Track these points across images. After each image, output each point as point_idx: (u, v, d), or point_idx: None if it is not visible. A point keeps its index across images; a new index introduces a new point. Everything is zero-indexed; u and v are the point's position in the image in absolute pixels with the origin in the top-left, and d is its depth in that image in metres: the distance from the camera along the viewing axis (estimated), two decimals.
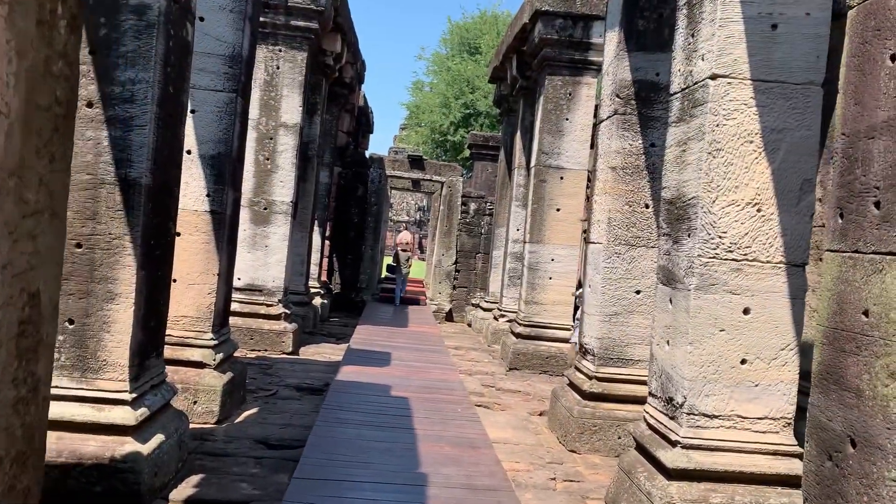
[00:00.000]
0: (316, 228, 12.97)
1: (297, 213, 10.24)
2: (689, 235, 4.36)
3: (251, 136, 9.52)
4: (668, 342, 4.57)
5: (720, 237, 4.23)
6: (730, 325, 4.26)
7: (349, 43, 11.85)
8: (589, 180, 11.41)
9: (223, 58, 6.03)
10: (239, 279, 9.52)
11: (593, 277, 6.39)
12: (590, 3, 9.55)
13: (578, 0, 9.53)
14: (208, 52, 6.01)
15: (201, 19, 5.99)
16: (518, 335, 9.72)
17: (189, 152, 6.02)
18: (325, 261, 15.03)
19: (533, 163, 10.07)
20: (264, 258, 9.52)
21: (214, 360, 6.02)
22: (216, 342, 6.12)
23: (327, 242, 15.04)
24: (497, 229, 13.68)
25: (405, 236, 20.47)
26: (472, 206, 16.27)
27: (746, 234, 4.24)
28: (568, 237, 9.77)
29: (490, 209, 15.98)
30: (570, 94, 9.82)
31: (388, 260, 20.94)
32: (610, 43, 6.51)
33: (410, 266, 19.17)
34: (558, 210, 9.80)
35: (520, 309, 10.11)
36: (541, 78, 10.18)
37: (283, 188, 9.54)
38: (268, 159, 9.51)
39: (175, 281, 5.98)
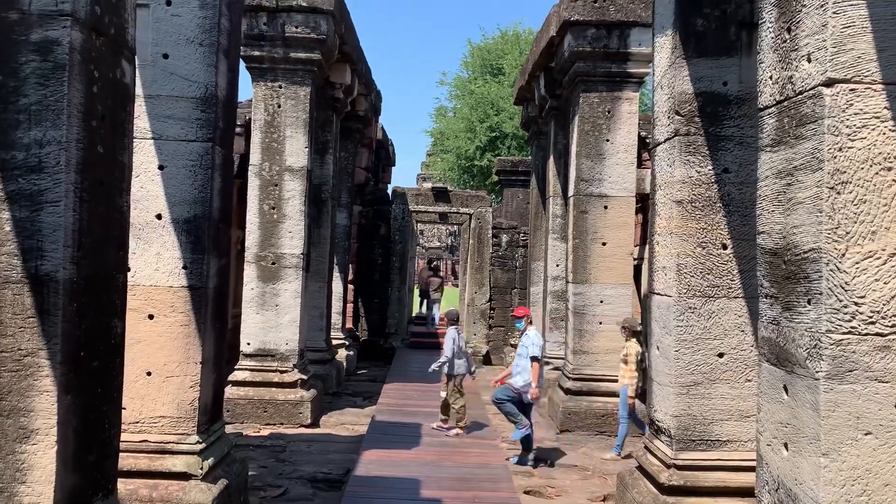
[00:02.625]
0: (336, 275, 11.92)
1: (309, 265, 9.18)
2: (809, 302, 3.14)
3: (253, 183, 8.52)
4: (785, 445, 3.34)
5: (856, 304, 3.00)
6: (879, 425, 3.03)
7: (359, 73, 10.85)
8: (642, 209, 10.18)
9: (194, 101, 4.99)
10: (248, 344, 8.48)
11: (662, 339, 5.17)
12: (625, 8, 8.40)
13: (612, 6, 8.39)
14: (176, 96, 4.98)
15: (165, 56, 4.97)
16: (567, 391, 8.49)
17: (159, 217, 4.98)
18: (350, 307, 13.96)
19: (571, 191, 8.89)
20: (275, 319, 8.45)
21: (202, 468, 4.91)
22: (203, 445, 5.02)
23: (350, 287, 13.98)
24: (533, 263, 12.48)
25: (423, 269, 19.26)
26: (504, 237, 15.10)
27: (894, 297, 3.01)
28: (617, 275, 8.54)
29: (524, 240, 14.79)
30: (608, 112, 8.65)
31: (416, 300, 19.80)
32: (661, 50, 5.34)
33: (441, 294, 17.72)
34: (604, 244, 8.58)
35: (567, 359, 8.88)
36: (574, 96, 9.03)
37: (293, 239, 8.49)
38: (273, 208, 8.47)
39: (149, 374, 4.93)
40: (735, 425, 4.98)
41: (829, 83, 3.05)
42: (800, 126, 3.24)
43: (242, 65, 8.51)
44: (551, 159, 10.91)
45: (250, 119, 8.83)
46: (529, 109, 12.31)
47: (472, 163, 29.65)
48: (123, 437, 4.87)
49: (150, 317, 4.95)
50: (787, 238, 3.34)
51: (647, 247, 12.79)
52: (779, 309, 3.41)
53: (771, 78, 3.53)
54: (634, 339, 7.56)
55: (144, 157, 4.97)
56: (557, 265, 10.53)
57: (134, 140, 5.00)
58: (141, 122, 4.95)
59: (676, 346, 4.99)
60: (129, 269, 3.70)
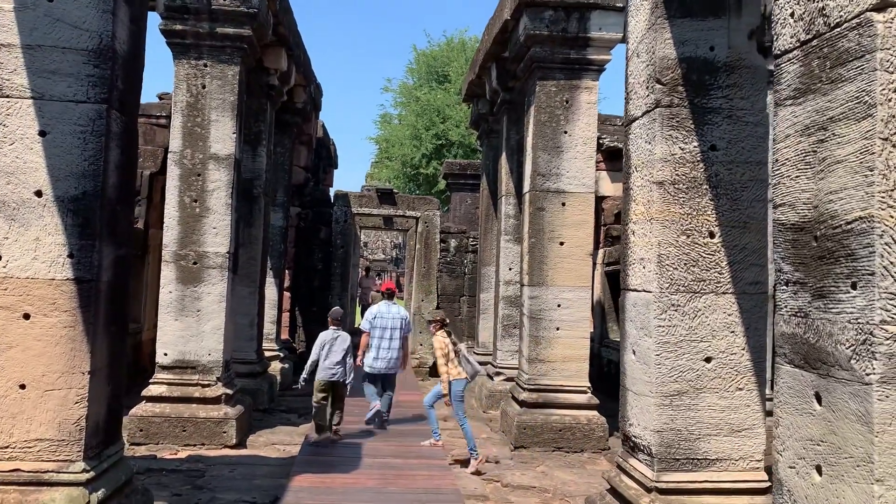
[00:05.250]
0: (271, 280, 10.98)
1: (237, 266, 8.26)
2: (854, 286, 2.48)
3: (173, 173, 7.58)
4: (818, 469, 2.66)
5: None
6: None
7: (297, 60, 10.01)
8: (600, 206, 9.61)
9: (85, 53, 4.10)
10: (165, 355, 7.50)
11: (640, 342, 4.48)
12: None
13: None
14: (63, 47, 4.09)
15: None
16: (522, 403, 7.77)
17: (39, 194, 4.07)
18: (286, 316, 13.01)
19: (527, 187, 8.22)
20: (196, 326, 7.49)
21: (88, 503, 3.99)
22: (92, 474, 4.10)
23: (287, 294, 13.03)
24: (483, 268, 11.78)
25: (362, 277, 18.33)
26: (453, 242, 14.38)
27: None
28: (576, 277, 7.88)
29: (474, 245, 14.10)
30: (567, 102, 8.02)
31: (359, 312, 18.87)
32: (638, 11, 4.69)
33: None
34: (562, 243, 7.92)
35: (522, 368, 8.16)
36: (529, 85, 8.38)
37: (218, 236, 7.56)
38: (195, 201, 7.54)
39: (23, 388, 4.02)
40: (725, 441, 4.32)
41: (882, 7, 2.40)
42: (837, 66, 2.59)
43: (163, 40, 7.60)
44: (503, 157, 10.24)
45: None
46: (479, 106, 11.65)
47: (417, 171, 28.92)
48: None
49: (26, 316, 4.03)
50: (819, 208, 2.67)
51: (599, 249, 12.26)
52: (807, 297, 2.74)
53: (792, 15, 2.87)
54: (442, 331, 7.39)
55: (21, 121, 4.06)
56: (510, 269, 9.84)
57: (9, 99, 4.09)
58: (18, 77, 4.06)
59: (657, 350, 4.31)
60: None
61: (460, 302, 14.27)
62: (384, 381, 8.20)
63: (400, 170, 29.94)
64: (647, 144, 4.49)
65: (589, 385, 7.89)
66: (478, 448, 6.86)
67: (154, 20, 8.61)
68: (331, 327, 7.66)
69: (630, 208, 4.70)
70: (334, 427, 7.43)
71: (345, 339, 7.58)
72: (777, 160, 2.96)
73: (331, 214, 14.06)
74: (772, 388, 4.65)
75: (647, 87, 4.51)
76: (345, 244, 14.18)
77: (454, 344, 7.41)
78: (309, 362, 7.63)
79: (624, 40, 7.76)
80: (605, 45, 7.94)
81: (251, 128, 9.23)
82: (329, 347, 7.47)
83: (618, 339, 11.35)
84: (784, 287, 2.90)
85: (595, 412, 7.75)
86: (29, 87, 4.06)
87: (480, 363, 11.18)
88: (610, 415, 7.90)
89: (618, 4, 7.77)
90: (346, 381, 7.49)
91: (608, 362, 11.64)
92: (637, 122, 4.65)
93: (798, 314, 2.79)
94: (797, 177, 2.82)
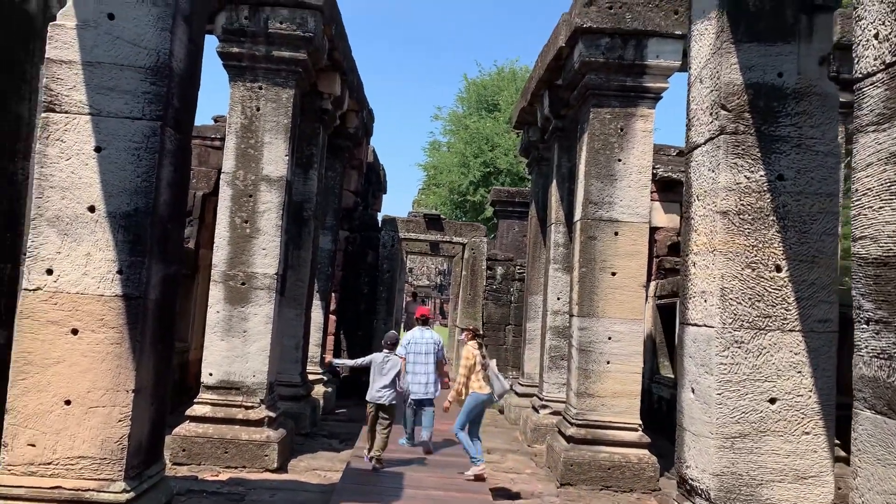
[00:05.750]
0: (317, 302, 10.97)
1: (285, 288, 8.24)
2: None
3: (225, 193, 7.63)
4: None
5: None
6: None
7: (350, 85, 10.07)
8: (653, 237, 9.37)
9: (142, 71, 4.13)
10: (210, 375, 7.49)
11: (700, 379, 4.25)
12: (642, 16, 7.66)
13: (628, 13, 7.66)
14: (121, 64, 4.12)
15: (110, 17, 4.12)
16: (570, 438, 7.52)
17: (92, 209, 4.08)
18: (331, 339, 12.98)
19: (578, 216, 8.05)
20: (242, 347, 7.48)
21: None
22: (132, 494, 4.04)
23: (332, 317, 13.01)
24: (530, 297, 11.58)
25: (409, 302, 18.32)
26: (499, 269, 14.22)
27: None
28: (629, 309, 7.65)
29: (520, 273, 13.92)
30: (621, 130, 7.85)
31: (404, 335, 18.76)
32: (702, 37, 4.54)
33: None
34: (614, 274, 7.71)
35: (570, 402, 7.92)
36: (583, 112, 8.24)
37: (267, 257, 7.56)
38: (246, 222, 7.57)
39: (68, 404, 3.98)
40: (790, 488, 4.05)
41: None
42: None
43: (220, 62, 7.71)
44: (554, 184, 10.09)
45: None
46: (530, 133, 11.54)
47: (464, 198, 28.90)
48: (30, 481, 3.90)
49: (74, 331, 4.02)
50: None
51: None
52: (891, 338, 2.53)
53: (876, 36, 2.70)
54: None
55: (78, 137, 4.08)
56: (559, 298, 9.63)
57: (67, 115, 4.13)
58: (77, 93, 4.09)
59: (719, 389, 4.08)
60: (20, 259, 2.78)
61: (505, 331, 14.07)
62: (420, 407, 8.16)
63: (447, 196, 29.97)
64: (711, 172, 4.31)
65: (640, 422, 7.61)
66: (482, 457, 7.12)
67: (211, 43, 8.76)
68: (384, 350, 7.64)
69: (691, 239, 4.51)
70: (377, 454, 7.31)
71: (395, 363, 7.55)
72: (857, 190, 2.77)
73: (378, 239, 14.05)
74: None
75: (711, 114, 4.34)
76: (391, 269, 14.14)
77: (483, 357, 7.39)
78: (355, 361, 7.99)
79: (682, 69, 7.61)
80: (662, 73, 7.78)
81: (303, 151, 9.27)
82: (379, 370, 7.45)
83: (669, 375, 10.99)
84: (864, 326, 2.69)
85: (646, 451, 7.46)
86: (87, 103, 4.10)
87: (525, 394, 10.94)
88: (660, 454, 7.61)
89: (676, 32, 7.61)
90: (393, 403, 7.56)
91: (658, 399, 11.28)
92: (699, 149, 4.48)
93: (881, 356, 2.58)
94: (880, 208, 2.63)
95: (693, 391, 4.35)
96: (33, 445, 3.97)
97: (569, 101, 8.98)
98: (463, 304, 14.38)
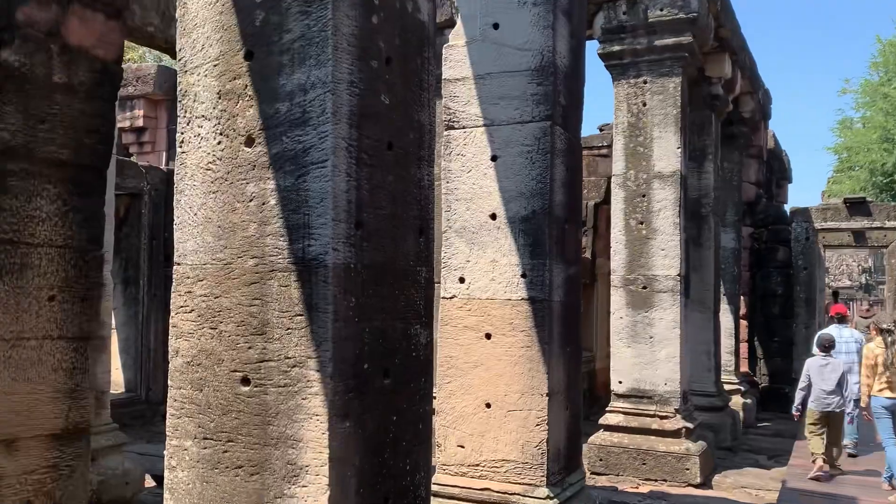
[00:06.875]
0: (724, 306, 10.12)
1: (689, 291, 7.71)
2: None
3: (618, 195, 7.44)
4: None
5: None
6: None
7: (742, 65, 9.18)
8: None
9: (527, 74, 4.12)
10: (620, 383, 7.30)
11: None
12: None
13: None
14: (507, 71, 4.17)
15: (495, 26, 4.20)
16: None
17: (493, 217, 4.17)
18: (744, 346, 11.89)
19: None
20: (650, 353, 7.15)
21: None
22: (556, 501, 3.96)
23: (743, 323, 11.93)
24: None
25: (827, 303, 15.97)
26: None
27: None
28: None
29: None
30: None
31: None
32: None
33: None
34: None
35: None
36: None
37: (666, 258, 7.15)
38: (641, 223, 7.26)
39: (488, 406, 4.08)
40: None
41: None
42: None
43: (601, 64, 7.60)
44: None
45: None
46: None
47: (890, 179, 24.67)
48: (462, 481, 4.06)
49: (488, 336, 4.12)
50: None
51: None
52: None
53: None
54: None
55: (476, 149, 4.22)
56: None
57: (464, 130, 4.30)
58: (471, 107, 4.24)
59: None
60: (431, 265, 2.85)
61: None
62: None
63: (868, 180, 25.91)
64: None
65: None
66: None
67: (590, 48, 8.73)
68: (819, 354, 6.77)
69: None
70: (825, 470, 6.45)
71: (836, 366, 6.64)
72: None
73: (788, 233, 12.57)
74: None
75: None
76: (808, 265, 12.52)
77: (894, 355, 6.24)
78: (798, 391, 7.11)
79: None
80: None
81: (694, 143, 8.68)
82: (819, 375, 6.64)
83: None
84: None
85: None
86: (480, 115, 4.22)
87: None
88: None
89: None
90: (847, 412, 6.82)
91: None
92: None
93: None
94: None
95: None
96: (462, 447, 4.14)
97: None
98: None
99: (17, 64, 3.29)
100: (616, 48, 7.38)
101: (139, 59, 18.95)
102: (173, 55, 7.69)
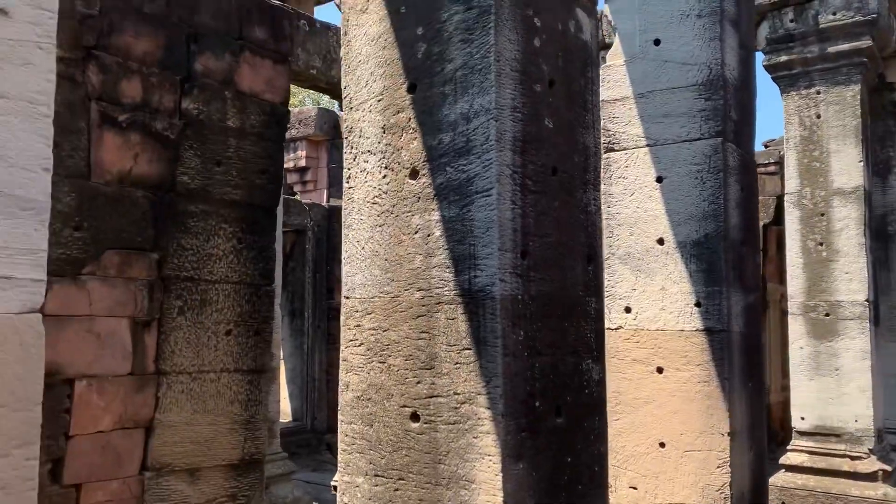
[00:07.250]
0: None
1: (878, 317, 6.95)
2: None
3: (793, 215, 6.88)
4: None
5: None
6: None
7: None
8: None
9: (694, 89, 3.87)
10: (802, 419, 6.67)
11: None
12: None
13: None
14: (671, 87, 3.94)
15: (656, 42, 4.01)
16: None
17: (661, 241, 3.93)
18: None
19: None
20: (836, 387, 6.48)
21: None
22: None
23: None
24: None
25: None
26: None
27: None
28: None
29: None
30: None
31: None
32: None
33: None
34: None
35: None
36: None
37: (851, 282, 6.50)
38: (820, 244, 6.66)
39: (662, 446, 3.81)
40: None
41: None
42: None
43: (768, 76, 7.13)
44: None
45: (783, 157, 7.28)
46: None
47: None
48: None
49: (659, 370, 3.86)
50: None
51: None
52: None
53: None
54: None
55: (639, 171, 4.02)
56: None
57: (625, 151, 4.12)
58: (632, 128, 4.05)
59: None
60: (601, 294, 2.69)
61: None
62: None
63: None
64: None
65: None
66: None
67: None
68: None
69: None
70: None
71: None
72: None
73: None
74: None
75: None
76: None
77: None
78: None
79: None
80: None
81: (876, 155, 7.89)
82: None
83: None
84: None
85: None
86: (643, 135, 4.02)
87: None
88: None
89: None
90: None
91: None
92: None
93: None
94: None
95: None
96: (634, 488, 3.89)
97: None
98: None
99: (196, 112, 3.50)
100: (784, 58, 6.87)
101: (299, 104, 20.17)
102: (334, 95, 8.05)
